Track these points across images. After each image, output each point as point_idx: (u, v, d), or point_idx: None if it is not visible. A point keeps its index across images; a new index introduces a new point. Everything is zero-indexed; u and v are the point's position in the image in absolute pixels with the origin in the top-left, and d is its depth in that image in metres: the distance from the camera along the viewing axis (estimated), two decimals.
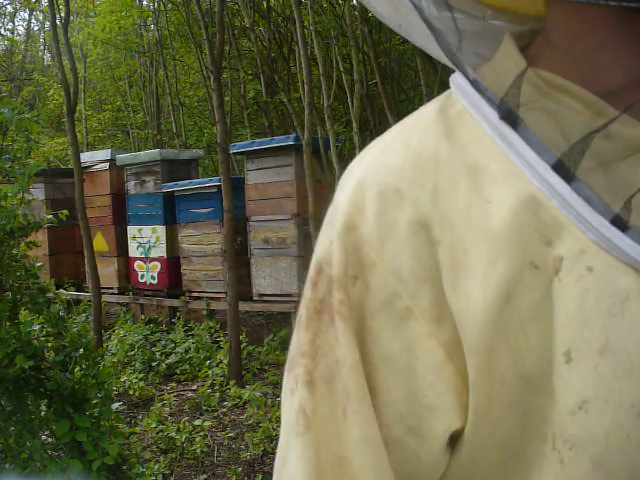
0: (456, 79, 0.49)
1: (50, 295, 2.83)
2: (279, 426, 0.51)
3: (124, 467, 2.82)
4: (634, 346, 0.41)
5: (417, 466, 0.45)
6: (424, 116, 0.50)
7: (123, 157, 7.37)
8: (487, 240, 0.42)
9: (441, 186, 0.44)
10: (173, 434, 4.15)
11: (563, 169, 0.42)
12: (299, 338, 0.48)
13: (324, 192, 5.38)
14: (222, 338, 5.84)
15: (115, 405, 3.05)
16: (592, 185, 0.42)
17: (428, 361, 0.43)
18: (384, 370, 0.45)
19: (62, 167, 10.22)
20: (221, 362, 5.47)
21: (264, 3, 8.72)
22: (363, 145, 0.55)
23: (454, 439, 0.45)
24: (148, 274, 7.14)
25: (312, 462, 0.45)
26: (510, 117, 0.44)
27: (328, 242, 0.47)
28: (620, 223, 0.41)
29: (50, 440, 2.72)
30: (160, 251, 7.03)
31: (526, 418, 0.43)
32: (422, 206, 0.44)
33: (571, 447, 0.42)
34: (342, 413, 0.45)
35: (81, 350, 2.77)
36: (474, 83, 0.46)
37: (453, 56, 0.47)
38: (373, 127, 6.96)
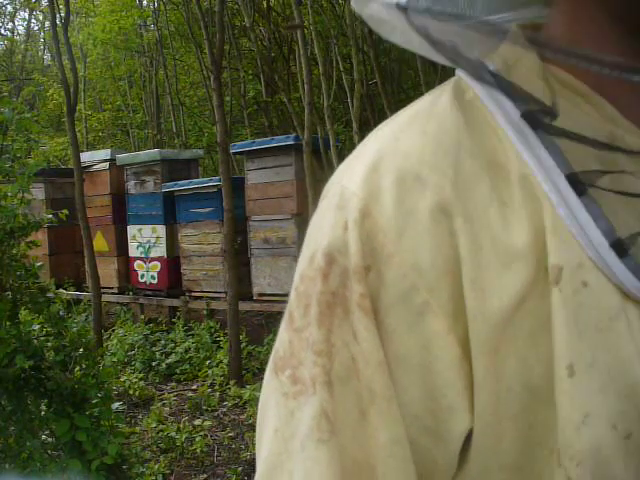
0: None
1: (50, 295, 2.83)
2: None
3: (124, 467, 2.82)
4: (615, 363, 0.40)
5: (431, 468, 0.43)
6: (437, 102, 0.47)
7: (123, 157, 7.37)
8: (503, 243, 0.41)
9: (462, 176, 0.42)
10: (173, 434, 4.15)
11: (576, 181, 0.41)
12: (311, 335, 0.43)
13: None
14: (222, 338, 5.84)
15: (115, 405, 3.05)
16: (600, 204, 0.41)
17: (448, 358, 0.41)
18: (398, 370, 0.42)
19: (62, 167, 10.21)
20: (221, 362, 5.47)
21: (264, 3, 8.73)
22: None
23: (465, 443, 0.43)
24: (148, 274, 7.14)
25: (339, 472, 0.41)
26: (532, 117, 0.43)
27: (340, 228, 0.43)
28: (619, 248, 0.41)
29: (50, 440, 2.72)
30: (160, 251, 7.03)
31: (531, 431, 0.41)
32: (444, 193, 0.42)
33: (578, 463, 0.40)
34: (360, 415, 0.42)
35: (81, 350, 2.78)
36: (496, 77, 0.44)
37: (469, 61, 0.45)
38: (373, 127, 6.93)
